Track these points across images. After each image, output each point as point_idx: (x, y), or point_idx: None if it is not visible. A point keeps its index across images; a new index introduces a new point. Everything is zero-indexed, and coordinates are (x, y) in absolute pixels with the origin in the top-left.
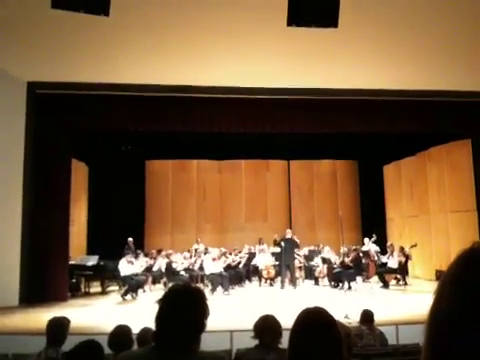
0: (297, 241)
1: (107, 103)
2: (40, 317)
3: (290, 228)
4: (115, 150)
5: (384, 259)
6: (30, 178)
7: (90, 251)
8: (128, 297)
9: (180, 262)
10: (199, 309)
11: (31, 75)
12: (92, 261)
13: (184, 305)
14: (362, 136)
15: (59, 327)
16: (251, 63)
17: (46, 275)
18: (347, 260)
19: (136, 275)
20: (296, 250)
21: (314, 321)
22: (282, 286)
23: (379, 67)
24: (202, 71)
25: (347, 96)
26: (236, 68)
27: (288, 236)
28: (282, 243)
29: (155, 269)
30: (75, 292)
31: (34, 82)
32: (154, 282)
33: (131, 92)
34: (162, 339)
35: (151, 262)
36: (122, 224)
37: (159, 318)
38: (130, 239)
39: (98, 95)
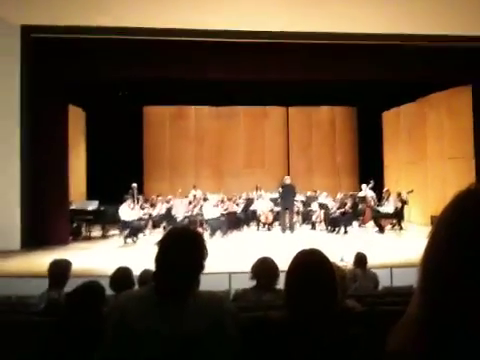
0: (295, 186)
1: (104, 48)
2: (42, 260)
3: (288, 174)
4: (112, 96)
5: (382, 207)
6: (27, 124)
7: (90, 196)
8: (129, 240)
9: (180, 210)
10: (197, 250)
11: (25, 18)
12: (92, 206)
13: (183, 246)
14: (361, 82)
15: (61, 269)
16: (248, 6)
17: (47, 219)
18: (347, 207)
19: (137, 220)
20: (294, 195)
21: (309, 262)
22: (283, 230)
23: (379, 11)
24: (199, 14)
25: (346, 40)
26: (233, 11)
27: (287, 182)
28: (280, 189)
29: (154, 214)
30: (76, 236)
31: (28, 25)
32: (154, 226)
33: (127, 36)
34: (161, 279)
35: (151, 209)
36: (121, 169)
37: (158, 259)
38: (134, 184)
39: (95, 39)
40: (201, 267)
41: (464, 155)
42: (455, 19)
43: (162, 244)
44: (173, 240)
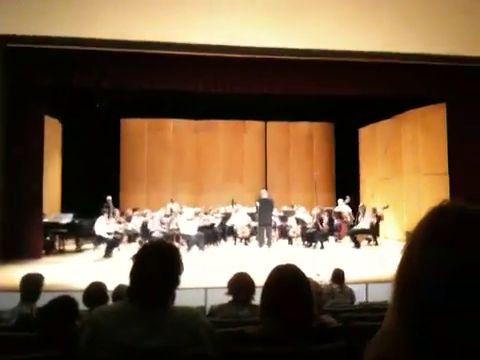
0: (272, 201)
1: (81, 59)
2: (14, 274)
3: (265, 189)
4: (89, 107)
5: (361, 223)
6: (2, 135)
7: (64, 209)
8: (110, 254)
9: (154, 228)
10: (173, 265)
11: (1, 28)
12: (66, 219)
13: (158, 261)
14: (339, 99)
15: (33, 283)
16: (229, 21)
17: (20, 232)
18: (324, 224)
19: (112, 234)
20: (272, 210)
21: (285, 277)
22: (260, 245)
23: (357, 29)
24: (179, 28)
25: (325, 57)
26: (214, 26)
27: (264, 196)
28: (257, 203)
29: (129, 228)
30: (49, 250)
31: (4, 35)
32: (129, 240)
33: (105, 48)
34: (136, 294)
35: (126, 223)
36: (97, 182)
37: (133, 273)
38: (109, 197)
39: (72, 50)
40: (177, 281)
41: (439, 171)
42: (431, 38)
43: (138, 258)
44: (149, 254)
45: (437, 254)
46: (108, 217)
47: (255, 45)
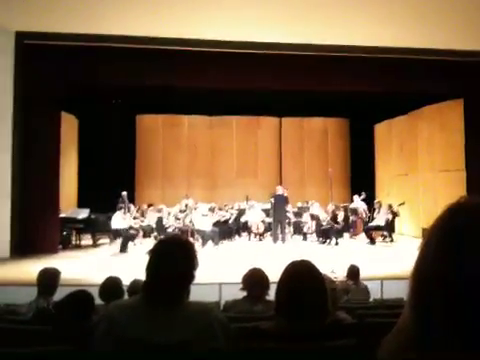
0: (287, 197)
1: (97, 55)
2: (31, 268)
3: (280, 185)
4: (105, 103)
5: (375, 221)
6: (20, 131)
7: (81, 204)
8: (126, 249)
9: (169, 223)
10: (188, 260)
11: (19, 24)
12: (83, 214)
13: (173, 256)
14: (354, 94)
15: (50, 277)
16: (243, 16)
17: (37, 228)
18: (339, 220)
19: (127, 229)
20: (286, 206)
21: (300, 273)
22: (274, 241)
23: (373, 24)
24: (194, 24)
25: (341, 53)
26: (227, 21)
27: (279, 192)
28: (272, 199)
29: (145, 224)
30: (66, 245)
31: (22, 32)
32: (145, 236)
33: (122, 44)
34: (151, 289)
35: (141, 218)
36: (112, 178)
37: (149, 268)
38: (124, 192)
39: (88, 47)
40: (192, 277)
41: (455, 168)
42: (448, 34)
43: (153, 253)
44: (164, 249)
45: (453, 252)
46: (124, 212)
47: (269, 41)
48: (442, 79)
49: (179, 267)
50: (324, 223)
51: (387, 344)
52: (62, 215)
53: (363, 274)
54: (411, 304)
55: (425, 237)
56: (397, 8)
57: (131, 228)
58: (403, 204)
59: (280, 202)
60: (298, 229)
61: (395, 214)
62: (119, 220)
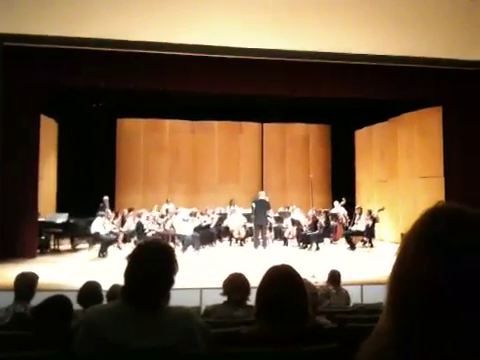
0: (269, 202)
1: (78, 59)
2: (8, 273)
3: (262, 190)
4: (86, 107)
5: (355, 226)
6: None
7: (60, 209)
8: (103, 254)
9: (149, 228)
10: (167, 264)
11: None
12: (62, 218)
13: (153, 260)
14: (335, 101)
15: (27, 282)
16: (226, 22)
17: (15, 232)
18: (319, 224)
19: (107, 234)
20: (267, 211)
21: (280, 278)
22: (255, 246)
23: (354, 31)
24: (176, 28)
25: (322, 59)
26: (211, 27)
27: (261, 197)
28: (253, 204)
29: (124, 229)
30: (44, 249)
31: (2, 34)
32: (125, 240)
33: (103, 48)
34: (130, 294)
35: (119, 224)
36: (92, 182)
37: (127, 273)
38: (106, 197)
39: (69, 50)
40: (171, 281)
41: (434, 174)
42: (427, 41)
43: (132, 258)
44: (143, 254)
45: (430, 255)
46: (104, 217)
47: (252, 46)
48: (421, 86)
49: (158, 271)
50: (305, 228)
51: (366, 348)
52: (41, 219)
53: (343, 279)
54: (389, 308)
55: (403, 241)
56: (377, 15)
57: (111, 233)
58: (383, 210)
59: (261, 207)
60: (279, 234)
61: (375, 220)
62: (99, 225)
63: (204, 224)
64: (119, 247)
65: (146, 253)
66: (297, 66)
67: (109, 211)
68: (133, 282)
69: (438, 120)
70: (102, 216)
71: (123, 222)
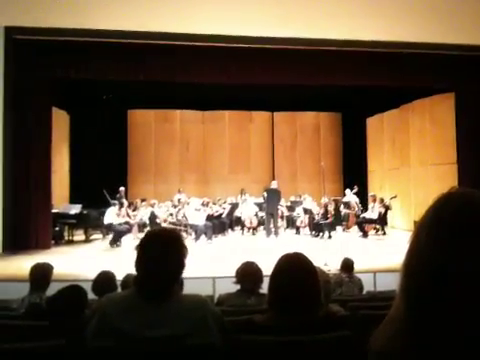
0: (280, 191)
1: (88, 50)
2: (23, 264)
3: (274, 179)
4: (97, 99)
5: (368, 213)
6: (10, 126)
7: (73, 200)
8: (114, 245)
9: (162, 217)
10: (176, 249)
11: (8, 19)
12: (75, 210)
13: (159, 248)
14: (346, 88)
15: (42, 273)
16: (235, 11)
17: (29, 223)
18: (330, 212)
19: (120, 224)
20: (279, 200)
21: (293, 265)
22: (267, 235)
23: (364, 17)
24: (186, 18)
25: (332, 47)
26: (220, 16)
27: (273, 186)
28: (265, 193)
29: (137, 219)
30: (58, 240)
31: (12, 27)
32: (139, 231)
33: (113, 39)
34: (143, 282)
35: (135, 213)
36: (104, 173)
37: (138, 262)
38: (122, 188)
39: (79, 42)
40: (181, 266)
41: (446, 161)
42: (440, 27)
43: (140, 248)
44: (150, 242)
45: (444, 242)
46: (120, 208)
47: (261, 35)
48: (434, 72)
49: (168, 257)
50: (317, 216)
51: (379, 334)
52: (54, 210)
53: (356, 267)
54: (402, 295)
55: (415, 229)
56: (387, 1)
57: (126, 223)
58: (395, 197)
59: (273, 196)
60: (291, 223)
61: (387, 207)
62: (111, 215)
63: (216, 214)
64: (137, 237)
65: (153, 241)
66: (307, 54)
67: (125, 201)
68: (144, 271)
69: (450, 107)
70: (116, 205)
71: (135, 212)
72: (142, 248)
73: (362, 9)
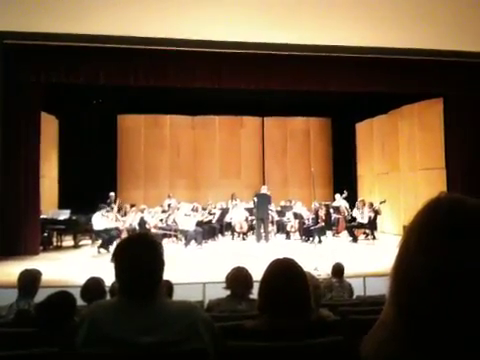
0: (270, 196)
1: (78, 55)
2: (11, 270)
3: (264, 184)
4: (86, 104)
5: (357, 216)
6: None
7: (62, 205)
8: (102, 250)
9: (153, 222)
10: (153, 249)
11: None
12: (64, 215)
13: (137, 251)
14: (336, 94)
15: (30, 279)
16: (226, 16)
17: (17, 229)
18: (321, 218)
19: (109, 229)
20: (269, 205)
21: (283, 270)
22: (258, 240)
23: (354, 24)
24: (175, 23)
25: (322, 53)
26: (210, 21)
27: (263, 191)
28: (255, 198)
29: (127, 225)
30: (47, 246)
31: (2, 31)
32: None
33: (103, 44)
34: (128, 287)
35: (124, 219)
36: (94, 178)
37: (118, 271)
38: (112, 193)
39: (69, 46)
40: (162, 263)
41: (435, 166)
42: (427, 34)
43: (117, 256)
44: (125, 249)
45: (431, 246)
46: (108, 212)
47: (251, 40)
48: (422, 78)
49: (147, 259)
50: (307, 221)
51: (370, 339)
52: (43, 216)
53: (346, 272)
54: (392, 300)
55: (405, 233)
56: (377, 7)
57: (115, 229)
58: (384, 202)
59: (263, 201)
60: (281, 228)
61: (377, 212)
62: (100, 220)
63: (206, 219)
64: None
65: (128, 247)
66: (297, 60)
67: (115, 207)
68: (126, 277)
69: (439, 112)
70: (105, 210)
71: (124, 217)
72: (119, 256)
73: (352, 15)
